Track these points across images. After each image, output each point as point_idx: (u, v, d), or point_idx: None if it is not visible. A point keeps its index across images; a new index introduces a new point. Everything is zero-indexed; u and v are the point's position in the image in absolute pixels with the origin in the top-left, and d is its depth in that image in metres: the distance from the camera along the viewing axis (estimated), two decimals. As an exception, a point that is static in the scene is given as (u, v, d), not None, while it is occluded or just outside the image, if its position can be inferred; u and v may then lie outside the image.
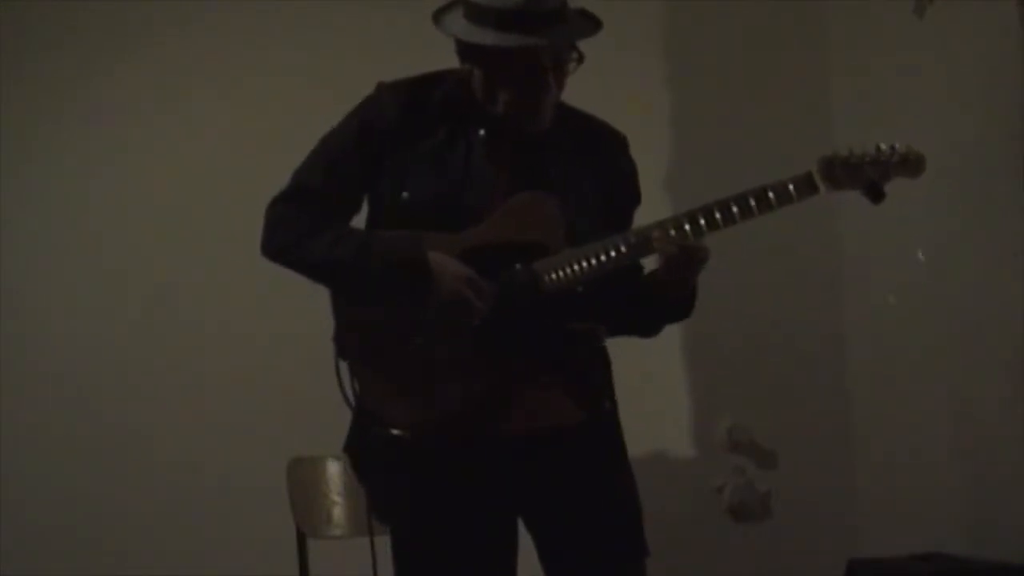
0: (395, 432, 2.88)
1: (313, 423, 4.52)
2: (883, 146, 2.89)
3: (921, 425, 4.62)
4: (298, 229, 2.93)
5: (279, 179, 4.72)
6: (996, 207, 4.26)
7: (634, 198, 3.06)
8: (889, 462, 4.79)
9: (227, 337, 4.64)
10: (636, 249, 2.87)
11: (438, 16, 2.94)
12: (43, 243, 4.65)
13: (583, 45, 2.93)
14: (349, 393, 2.93)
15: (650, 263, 2.96)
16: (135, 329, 4.63)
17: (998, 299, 4.25)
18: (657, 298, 2.94)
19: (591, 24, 2.92)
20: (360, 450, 3.01)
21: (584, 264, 2.85)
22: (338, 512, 3.98)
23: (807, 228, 4.83)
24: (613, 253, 2.85)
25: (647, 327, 3.05)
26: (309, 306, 4.57)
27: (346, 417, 4.56)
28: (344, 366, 2.95)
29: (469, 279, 2.83)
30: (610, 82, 4.63)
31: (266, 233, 2.97)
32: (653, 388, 4.63)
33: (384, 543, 3.04)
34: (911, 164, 2.89)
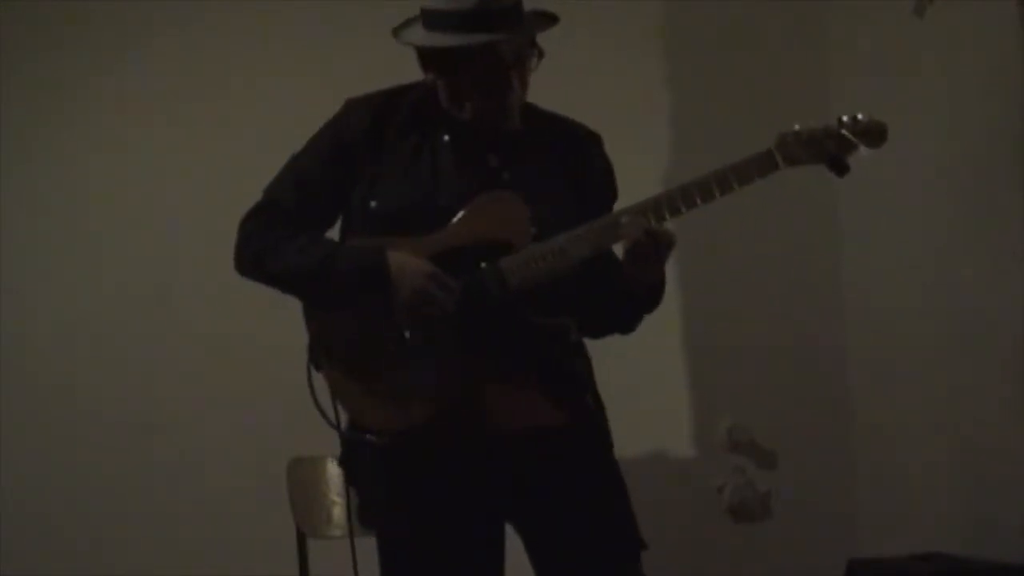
0: (371, 438, 2.88)
1: (313, 423, 4.50)
2: (844, 118, 2.87)
3: (921, 425, 4.62)
4: (268, 242, 2.96)
5: (279, 179, 4.74)
6: (996, 207, 4.27)
7: (610, 195, 3.04)
8: (889, 462, 4.79)
9: (227, 337, 4.63)
10: (603, 235, 2.85)
11: (397, 31, 2.96)
12: (43, 243, 4.65)
13: (548, 45, 2.92)
14: (324, 405, 2.93)
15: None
16: (135, 329, 4.63)
17: (998, 299, 4.25)
18: (627, 289, 2.91)
19: (547, 20, 2.92)
20: (348, 457, 3.02)
21: (550, 258, 2.84)
22: (338, 512, 3.98)
23: (807, 228, 4.84)
24: (578, 243, 2.84)
25: (624, 321, 3.02)
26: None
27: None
28: (318, 377, 2.96)
29: (430, 274, 2.83)
30: (610, 82, 4.64)
31: (237, 251, 3.03)
32: (653, 388, 4.63)
33: (366, 544, 3.04)
34: (872, 134, 2.87)
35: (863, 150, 2.86)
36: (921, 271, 4.59)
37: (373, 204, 2.91)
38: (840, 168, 2.85)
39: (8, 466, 4.52)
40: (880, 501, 4.82)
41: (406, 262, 2.83)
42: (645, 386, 4.47)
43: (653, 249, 2.83)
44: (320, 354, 2.94)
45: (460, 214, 2.88)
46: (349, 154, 2.95)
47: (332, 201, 2.97)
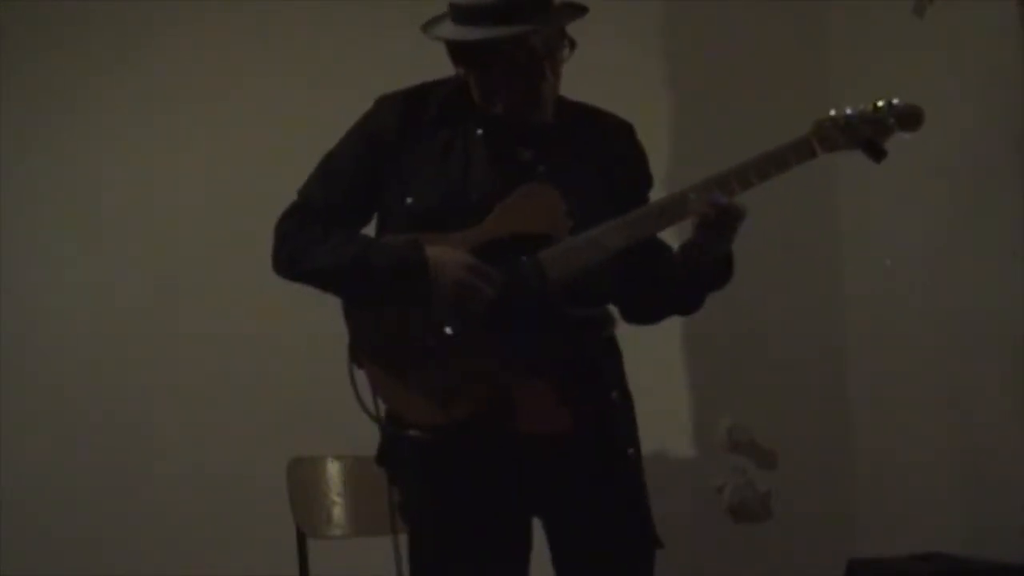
0: (413, 433, 2.88)
1: (313, 423, 4.54)
2: (880, 103, 2.88)
3: (920, 425, 4.62)
4: (301, 242, 2.96)
5: (280, 179, 4.71)
6: (996, 206, 4.27)
7: (645, 182, 3.06)
8: (889, 462, 4.79)
9: (228, 337, 4.63)
10: (673, 213, 2.87)
11: (427, 26, 2.95)
12: (43, 243, 4.65)
13: (577, 35, 2.94)
14: (368, 402, 2.94)
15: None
16: (135, 329, 4.63)
17: (998, 299, 4.25)
18: (696, 266, 2.93)
19: (576, 10, 2.93)
20: (388, 454, 3.02)
21: (589, 248, 2.86)
22: (338, 512, 3.98)
23: (807, 228, 4.84)
24: (616, 233, 2.86)
25: (688, 301, 3.03)
26: (310, 307, 4.59)
27: (346, 417, 4.56)
28: (360, 373, 2.97)
29: (470, 265, 2.84)
30: (610, 82, 4.63)
31: (274, 251, 3.01)
32: (653, 388, 4.61)
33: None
34: (910, 118, 2.89)
35: (900, 134, 2.88)
36: (921, 271, 4.59)
37: (409, 201, 2.91)
38: (877, 154, 2.86)
39: (8, 466, 4.52)
40: (880, 501, 4.82)
41: (445, 255, 2.84)
42: (645, 386, 4.46)
43: (724, 222, 2.84)
44: (360, 351, 2.94)
45: (497, 208, 2.89)
46: (381, 151, 2.95)
47: (366, 199, 2.98)
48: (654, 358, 4.52)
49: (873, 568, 4.31)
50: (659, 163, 4.70)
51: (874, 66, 4.73)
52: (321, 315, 4.57)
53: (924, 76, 4.48)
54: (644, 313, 3.05)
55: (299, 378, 4.62)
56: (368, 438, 4.11)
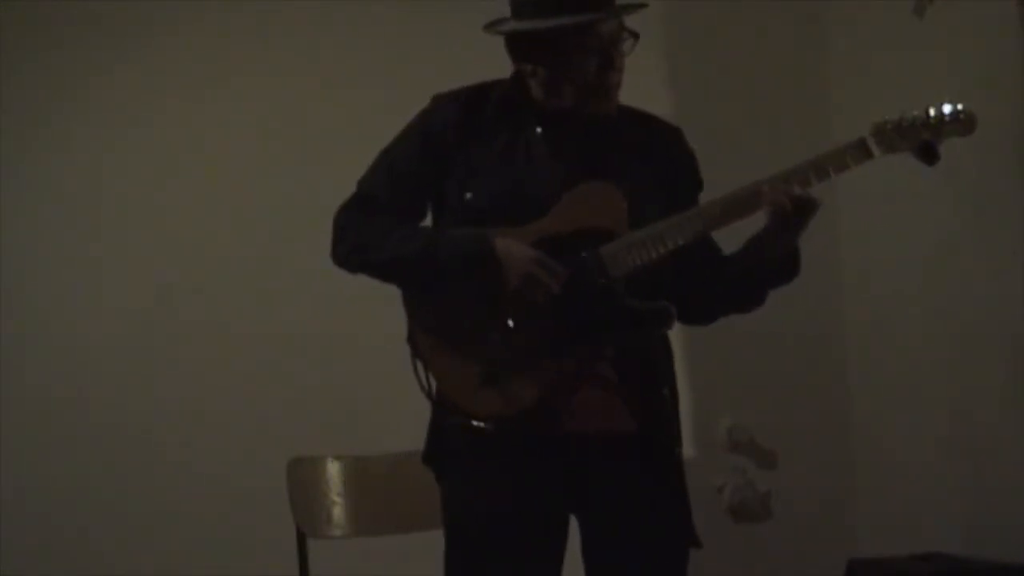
0: (476, 424, 2.89)
1: (313, 423, 4.54)
2: (931, 110, 2.92)
3: (921, 425, 4.62)
4: (366, 232, 2.97)
5: (280, 177, 4.75)
6: (996, 207, 4.27)
7: (696, 185, 3.09)
8: (889, 462, 4.79)
9: (227, 337, 4.63)
10: (744, 205, 2.89)
11: (490, 27, 2.98)
12: (43, 243, 4.65)
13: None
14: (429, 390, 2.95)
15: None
16: (135, 329, 4.63)
17: (998, 299, 4.25)
18: (763, 261, 2.95)
19: (638, 5, 3.00)
20: (436, 450, 3.02)
21: (650, 244, 2.88)
22: (338, 512, 3.98)
23: (807, 227, 4.82)
24: (679, 229, 2.89)
25: (751, 297, 3.05)
26: (310, 306, 4.61)
27: (346, 417, 4.57)
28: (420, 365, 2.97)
29: (538, 260, 2.85)
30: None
31: (335, 241, 3.01)
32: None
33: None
34: (964, 122, 2.93)
35: (954, 138, 2.93)
36: (921, 270, 4.59)
37: (468, 196, 2.94)
38: (931, 156, 2.93)
39: (8, 466, 4.52)
40: (880, 501, 4.82)
41: (512, 247, 2.86)
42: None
43: (796, 213, 2.87)
44: (421, 342, 2.94)
45: (558, 204, 2.91)
46: (439, 146, 2.97)
47: (424, 193, 3.00)
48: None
49: (873, 568, 4.31)
50: (659, 163, 4.73)
51: (874, 66, 4.73)
52: (322, 316, 4.60)
53: (924, 76, 4.48)
54: (700, 313, 3.07)
55: (299, 378, 4.62)
56: (368, 438, 4.13)
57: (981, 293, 4.35)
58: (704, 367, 4.83)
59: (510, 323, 2.89)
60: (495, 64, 3.02)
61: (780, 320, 4.89)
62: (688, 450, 4.87)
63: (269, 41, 4.74)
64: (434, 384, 2.94)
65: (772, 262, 2.96)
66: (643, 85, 4.79)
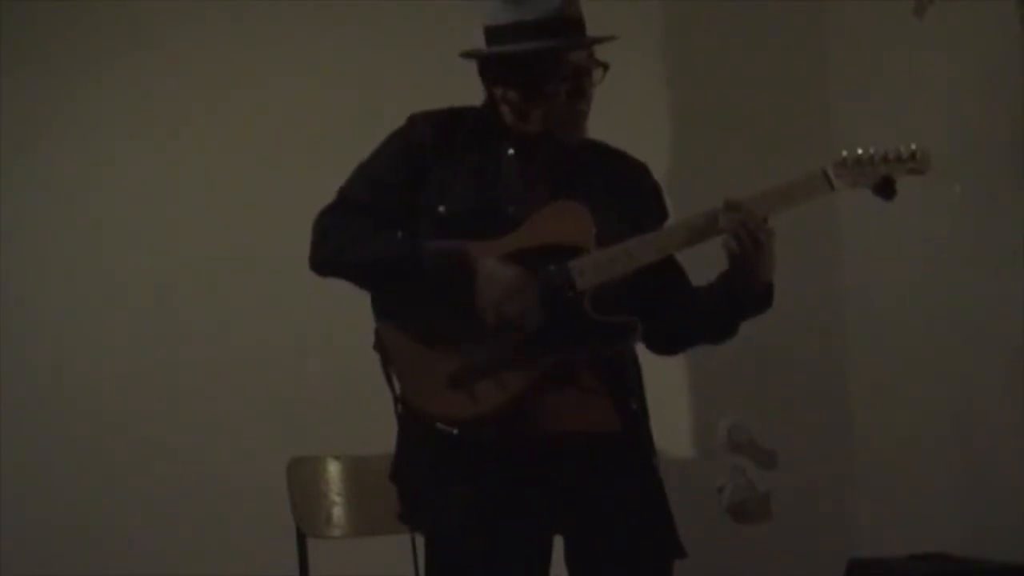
0: (442, 427, 2.91)
1: (313, 423, 4.54)
2: (888, 149, 2.97)
3: (921, 425, 4.62)
4: (347, 236, 2.99)
5: (280, 179, 4.75)
6: (996, 207, 4.27)
7: (662, 214, 3.13)
8: (889, 462, 4.79)
9: (227, 337, 4.63)
10: (704, 230, 2.93)
11: (467, 54, 3.03)
12: (43, 243, 4.64)
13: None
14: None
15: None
16: (135, 329, 4.63)
17: (998, 299, 4.25)
18: (736, 291, 2.98)
19: (608, 36, 3.01)
20: (401, 449, 3.05)
21: (617, 260, 2.92)
22: (338, 512, 3.98)
23: (807, 228, 4.82)
24: (645, 247, 2.93)
25: (722, 329, 3.09)
26: (310, 306, 4.60)
27: (346, 417, 4.56)
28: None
29: (514, 290, 2.89)
30: (610, 82, 4.63)
31: (315, 244, 3.04)
32: (653, 388, 4.61)
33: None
34: (920, 161, 2.98)
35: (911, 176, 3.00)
36: (921, 271, 4.59)
37: (441, 209, 2.98)
38: (888, 192, 3.00)
39: (8, 467, 4.52)
40: (880, 501, 4.82)
41: (492, 267, 2.90)
42: (645, 386, 4.46)
43: (753, 243, 2.92)
44: (389, 346, 2.97)
45: (528, 220, 2.96)
46: (417, 158, 3.02)
47: (403, 202, 3.02)
48: (654, 358, 4.51)
49: (873, 568, 4.31)
50: (659, 164, 4.70)
51: (874, 66, 4.73)
52: (322, 316, 4.60)
53: (924, 76, 4.48)
54: (669, 341, 3.13)
55: (299, 378, 4.62)
56: (368, 438, 4.12)
57: (981, 293, 4.35)
58: (704, 367, 4.83)
59: (479, 330, 2.90)
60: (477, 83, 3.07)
61: (780, 320, 4.89)
62: (688, 450, 4.89)
63: (271, 44, 4.73)
64: (399, 389, 2.96)
65: (744, 294, 3.00)
66: (643, 85, 4.84)
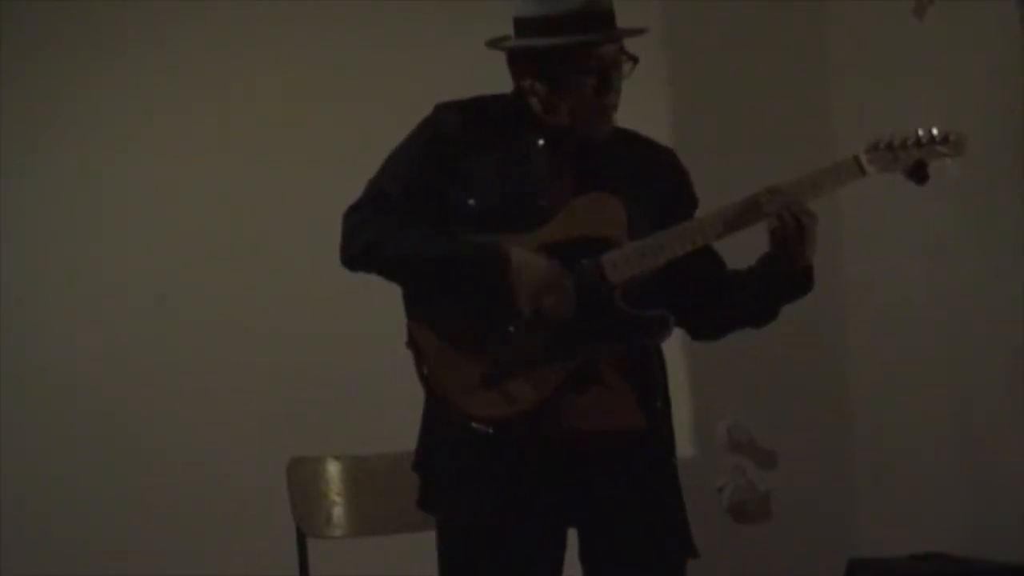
0: (476, 426, 2.90)
1: (313, 423, 4.54)
2: (922, 131, 3.00)
3: (921, 425, 4.62)
4: (380, 230, 2.96)
5: (281, 179, 4.75)
6: (996, 207, 4.27)
7: (692, 203, 3.11)
8: (889, 462, 4.79)
9: (227, 337, 4.63)
10: (743, 217, 2.92)
11: (492, 43, 3.01)
12: (43, 244, 4.64)
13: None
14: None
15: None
16: (135, 330, 4.63)
17: (998, 299, 4.25)
18: (776, 275, 2.98)
19: (639, 29, 3.04)
20: (426, 439, 3.02)
21: (649, 253, 2.91)
22: (338, 512, 3.98)
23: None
24: (679, 238, 2.92)
25: (763, 313, 3.09)
26: (311, 307, 4.61)
27: (346, 417, 4.57)
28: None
29: (551, 284, 2.87)
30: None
31: (345, 239, 3.01)
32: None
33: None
34: (954, 144, 3.01)
35: (949, 162, 3.01)
36: (921, 271, 4.59)
37: (471, 203, 2.95)
38: (921, 176, 3.00)
39: (8, 467, 4.52)
40: (880, 501, 4.82)
41: (529, 259, 2.88)
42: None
43: (796, 225, 2.90)
44: (421, 343, 2.94)
45: (560, 213, 2.93)
46: (444, 151, 2.99)
47: (433, 196, 2.99)
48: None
49: (873, 568, 4.31)
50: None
51: (874, 66, 4.73)
52: (322, 315, 4.60)
53: (924, 76, 4.48)
54: (711, 328, 3.12)
55: (299, 378, 4.62)
56: (368, 438, 4.12)
57: (981, 293, 4.35)
58: (704, 367, 4.83)
59: (511, 328, 2.90)
60: (501, 75, 3.05)
61: (780, 320, 4.89)
62: (688, 450, 4.89)
63: (272, 41, 4.73)
64: (432, 385, 2.94)
65: (786, 278, 2.99)
66: (643, 85, 4.83)
